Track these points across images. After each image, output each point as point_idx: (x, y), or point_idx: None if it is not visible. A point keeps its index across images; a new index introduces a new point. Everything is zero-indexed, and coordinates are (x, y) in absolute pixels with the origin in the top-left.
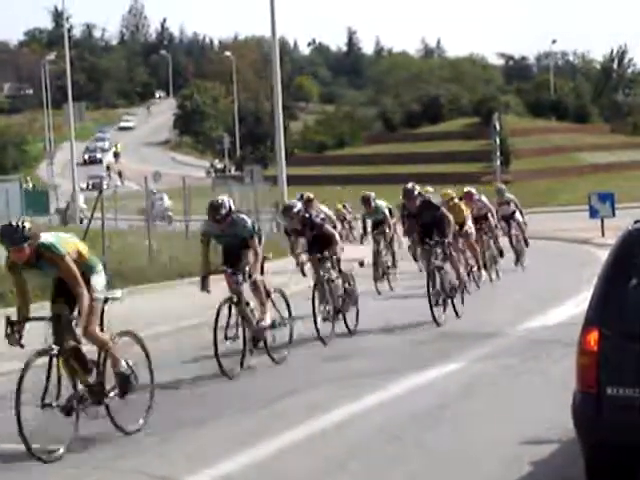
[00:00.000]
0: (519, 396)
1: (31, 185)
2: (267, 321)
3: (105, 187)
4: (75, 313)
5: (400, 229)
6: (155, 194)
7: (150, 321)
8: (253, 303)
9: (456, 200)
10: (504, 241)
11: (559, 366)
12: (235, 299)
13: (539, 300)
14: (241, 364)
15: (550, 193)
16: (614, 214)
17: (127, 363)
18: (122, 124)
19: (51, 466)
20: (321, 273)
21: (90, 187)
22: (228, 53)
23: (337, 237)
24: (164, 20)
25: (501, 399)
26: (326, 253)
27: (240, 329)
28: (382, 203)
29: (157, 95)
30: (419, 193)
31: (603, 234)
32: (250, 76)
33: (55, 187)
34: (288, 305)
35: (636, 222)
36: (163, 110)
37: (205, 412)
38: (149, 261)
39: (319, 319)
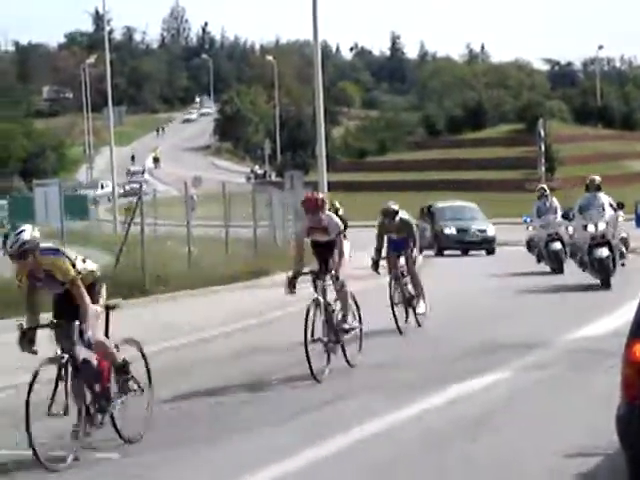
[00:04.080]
0: (563, 407)
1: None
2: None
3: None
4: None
5: None
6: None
7: (195, 327)
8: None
9: None
10: None
11: (603, 377)
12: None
13: (582, 311)
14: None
15: None
16: None
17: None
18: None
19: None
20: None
21: (129, 190)
22: (270, 57)
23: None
24: (205, 24)
25: (544, 410)
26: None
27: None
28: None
29: (197, 103)
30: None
31: None
32: (292, 81)
33: (95, 201)
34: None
35: None
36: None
37: (243, 420)
38: (188, 267)
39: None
